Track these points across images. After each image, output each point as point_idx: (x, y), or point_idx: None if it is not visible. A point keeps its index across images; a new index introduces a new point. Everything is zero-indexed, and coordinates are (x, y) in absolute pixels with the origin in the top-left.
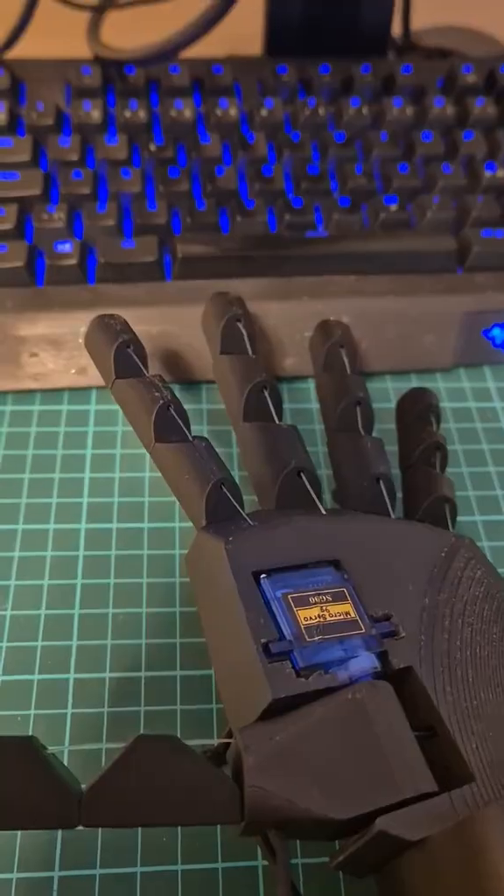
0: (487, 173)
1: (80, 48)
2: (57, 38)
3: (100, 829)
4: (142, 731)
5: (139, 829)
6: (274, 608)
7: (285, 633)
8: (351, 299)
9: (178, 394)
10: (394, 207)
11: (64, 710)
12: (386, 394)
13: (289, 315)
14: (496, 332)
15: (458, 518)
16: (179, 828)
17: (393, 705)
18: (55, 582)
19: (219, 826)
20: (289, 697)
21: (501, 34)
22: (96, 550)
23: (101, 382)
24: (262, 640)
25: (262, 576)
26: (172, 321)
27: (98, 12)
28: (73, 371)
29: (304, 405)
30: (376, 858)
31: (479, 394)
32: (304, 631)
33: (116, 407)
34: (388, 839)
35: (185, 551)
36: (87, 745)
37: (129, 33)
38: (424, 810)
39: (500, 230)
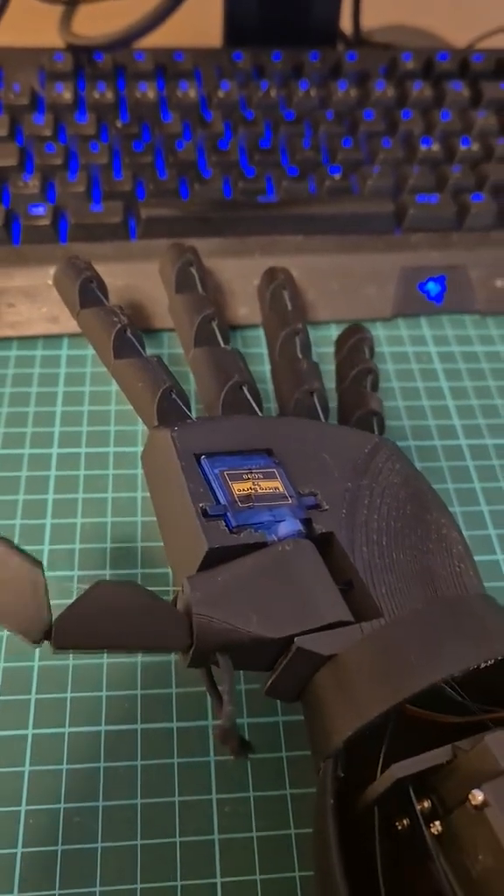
0: (423, 147)
1: (53, 39)
2: (32, 29)
3: (68, 694)
4: None
5: (103, 695)
6: (212, 482)
7: (221, 500)
8: (299, 256)
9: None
10: (338, 177)
11: None
12: (331, 340)
13: (242, 270)
14: (430, 285)
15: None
16: (139, 694)
17: (316, 558)
18: (29, 497)
19: (174, 692)
20: (223, 548)
21: (446, 32)
22: (66, 471)
23: (73, 329)
24: (201, 505)
25: (202, 457)
26: (136, 275)
27: (70, 6)
28: (46, 319)
29: (256, 350)
30: (298, 677)
31: (415, 340)
32: (237, 499)
33: (86, 351)
34: (305, 655)
35: None
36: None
37: (98, 25)
38: (338, 633)
39: (434, 195)
